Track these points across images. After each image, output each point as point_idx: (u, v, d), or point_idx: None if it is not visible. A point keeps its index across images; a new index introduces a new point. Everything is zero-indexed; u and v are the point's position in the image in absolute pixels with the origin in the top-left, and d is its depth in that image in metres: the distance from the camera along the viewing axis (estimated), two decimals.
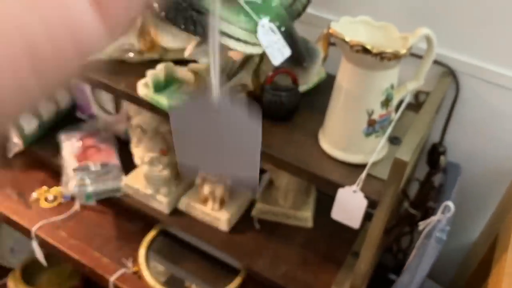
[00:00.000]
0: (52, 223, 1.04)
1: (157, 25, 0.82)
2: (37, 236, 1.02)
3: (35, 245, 1.02)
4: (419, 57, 0.70)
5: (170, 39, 0.81)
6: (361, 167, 0.68)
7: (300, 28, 0.79)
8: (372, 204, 0.65)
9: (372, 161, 0.66)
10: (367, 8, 0.86)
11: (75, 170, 0.99)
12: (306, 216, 0.98)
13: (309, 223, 0.99)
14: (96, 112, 1.12)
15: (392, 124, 0.69)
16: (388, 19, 0.66)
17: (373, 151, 0.67)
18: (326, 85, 0.88)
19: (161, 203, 0.98)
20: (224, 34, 0.65)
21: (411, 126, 0.66)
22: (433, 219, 0.74)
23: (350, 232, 0.83)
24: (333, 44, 0.84)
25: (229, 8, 0.70)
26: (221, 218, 0.96)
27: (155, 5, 0.64)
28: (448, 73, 0.84)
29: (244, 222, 0.99)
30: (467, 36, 0.81)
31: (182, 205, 0.99)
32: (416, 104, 0.86)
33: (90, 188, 0.99)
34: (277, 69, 0.74)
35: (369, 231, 0.69)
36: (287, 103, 0.75)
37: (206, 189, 0.95)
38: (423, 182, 0.95)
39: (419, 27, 0.63)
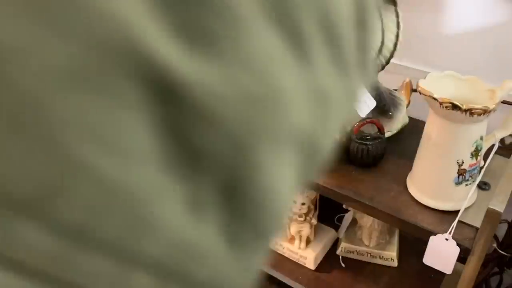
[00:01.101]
0: None
1: None
2: None
3: None
4: (508, 103, 0.72)
5: None
6: (451, 213, 0.70)
7: (381, 76, 0.84)
8: (465, 251, 0.67)
9: (464, 209, 0.68)
10: (443, 55, 0.89)
11: None
12: (391, 256, 1.00)
13: (395, 263, 1.01)
14: None
15: (482, 172, 0.71)
16: (454, 66, 0.69)
17: (463, 199, 0.69)
18: (409, 129, 0.92)
19: None
20: None
21: (503, 175, 0.68)
22: None
23: (436, 272, 0.84)
24: (415, 90, 0.87)
25: None
26: (307, 256, 1.00)
27: None
28: None
29: (329, 261, 1.03)
30: None
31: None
32: (502, 147, 0.86)
33: None
34: (363, 120, 0.79)
35: (462, 278, 0.70)
36: (373, 152, 0.79)
37: (292, 228, 1.00)
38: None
39: (505, 78, 0.65)
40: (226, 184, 0.11)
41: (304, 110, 0.12)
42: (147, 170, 0.09)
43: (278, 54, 0.11)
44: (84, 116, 0.08)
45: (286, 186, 0.12)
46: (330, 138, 0.14)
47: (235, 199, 0.11)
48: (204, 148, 0.10)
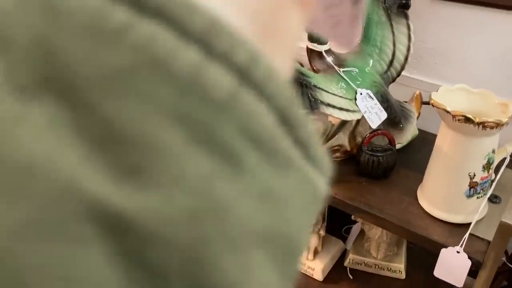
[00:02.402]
0: None
1: None
2: None
3: None
4: None
5: None
6: (462, 226, 0.70)
7: (392, 88, 0.84)
8: (476, 265, 0.67)
9: (475, 222, 0.68)
10: (453, 68, 0.90)
11: None
12: (399, 268, 1.00)
13: (402, 275, 1.00)
14: None
15: (493, 185, 0.71)
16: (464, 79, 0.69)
17: (474, 211, 0.69)
18: (418, 141, 0.92)
19: None
20: (328, 105, 0.72)
21: None
22: None
23: (445, 284, 0.84)
24: (425, 103, 0.88)
25: (329, 78, 0.77)
26: (315, 267, 1.00)
27: None
28: None
29: (337, 272, 1.03)
30: None
31: None
32: None
33: None
34: (374, 131, 0.79)
35: None
36: (384, 163, 0.79)
37: None
38: None
39: None
40: None
41: (252, 211, 0.12)
42: None
43: (209, 169, 0.12)
44: (46, 260, 0.10)
45: (255, 282, 0.13)
46: (299, 228, 0.15)
47: None
48: (163, 269, 0.11)
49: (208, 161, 0.12)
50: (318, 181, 0.16)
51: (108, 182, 0.10)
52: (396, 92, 0.86)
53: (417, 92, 0.87)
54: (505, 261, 0.94)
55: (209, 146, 0.12)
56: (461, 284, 0.70)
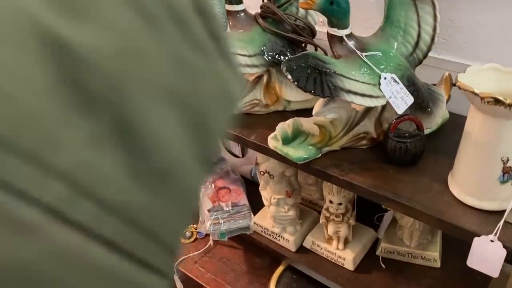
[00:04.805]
0: (190, 257, 1.16)
1: (281, 82, 0.89)
2: (178, 271, 1.14)
3: (176, 278, 1.15)
4: None
5: (294, 93, 0.88)
6: (495, 213, 0.66)
7: (418, 70, 0.80)
8: None
9: (510, 208, 0.65)
10: (484, 47, 0.84)
11: (209, 210, 1.10)
12: (434, 257, 0.96)
13: (437, 264, 0.97)
14: (225, 155, 1.23)
15: None
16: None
17: (509, 198, 0.66)
18: (449, 125, 0.88)
19: (287, 241, 1.04)
20: (349, 92, 0.69)
21: None
22: None
23: (482, 272, 0.80)
24: (455, 85, 0.83)
25: (351, 64, 0.74)
26: (346, 257, 0.98)
27: (283, 68, 0.71)
28: None
29: (369, 261, 1.01)
30: None
31: (307, 243, 1.04)
32: None
33: (223, 227, 1.09)
34: (401, 117, 0.76)
35: (511, 280, 0.67)
36: (412, 149, 0.76)
37: (330, 229, 0.99)
38: None
39: None
40: (119, 125, 0.14)
41: (168, 69, 0.16)
42: (52, 102, 0.12)
43: (135, 23, 0.15)
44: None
45: (173, 136, 0.16)
46: (212, 109, 0.18)
47: (129, 139, 0.14)
48: (94, 92, 0.13)
49: (134, 16, 0.15)
50: (229, 78, 0.19)
51: (60, 16, 0.13)
52: (424, 74, 0.82)
53: (446, 74, 0.83)
54: None
55: (134, 7, 0.15)
56: (497, 275, 0.67)
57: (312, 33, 0.90)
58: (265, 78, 0.90)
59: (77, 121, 0.13)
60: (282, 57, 0.87)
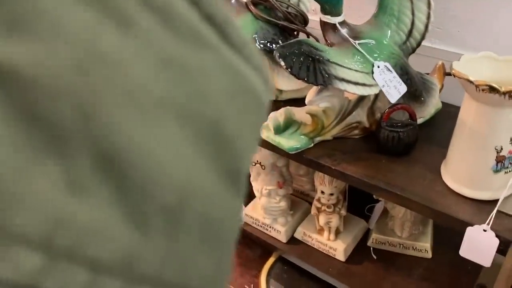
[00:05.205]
0: None
1: (273, 70, 0.87)
2: None
3: None
4: None
5: (286, 82, 0.87)
6: (489, 203, 0.66)
7: (411, 59, 0.80)
8: (505, 243, 0.63)
9: (503, 198, 0.64)
10: (478, 35, 0.84)
11: None
12: (425, 247, 0.96)
13: (429, 254, 0.97)
14: None
15: None
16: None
17: (502, 187, 0.65)
18: (442, 114, 0.88)
19: (278, 232, 1.04)
20: (343, 80, 0.68)
21: None
22: None
23: (473, 263, 0.80)
24: (448, 74, 0.83)
25: (344, 52, 0.73)
26: (337, 248, 0.98)
27: (276, 54, 0.70)
28: None
29: (360, 252, 1.00)
30: None
31: (298, 234, 1.03)
32: None
33: None
34: (394, 106, 0.75)
35: (502, 270, 0.67)
36: (405, 139, 0.75)
37: (321, 220, 0.98)
38: None
39: None
40: (100, 159, 0.11)
41: (153, 73, 0.12)
42: (3, 151, 0.10)
43: (97, 24, 0.12)
44: None
45: (177, 156, 0.12)
46: (226, 115, 0.15)
47: (118, 174, 0.11)
48: (57, 122, 0.10)
49: (92, 16, 0.11)
50: (245, 71, 0.15)
51: None
52: (417, 63, 0.81)
53: (440, 63, 0.82)
54: None
55: (96, 4, 0.12)
56: (489, 264, 0.66)
57: (305, 21, 0.89)
58: None
59: (43, 167, 0.10)
60: (273, 45, 0.85)
